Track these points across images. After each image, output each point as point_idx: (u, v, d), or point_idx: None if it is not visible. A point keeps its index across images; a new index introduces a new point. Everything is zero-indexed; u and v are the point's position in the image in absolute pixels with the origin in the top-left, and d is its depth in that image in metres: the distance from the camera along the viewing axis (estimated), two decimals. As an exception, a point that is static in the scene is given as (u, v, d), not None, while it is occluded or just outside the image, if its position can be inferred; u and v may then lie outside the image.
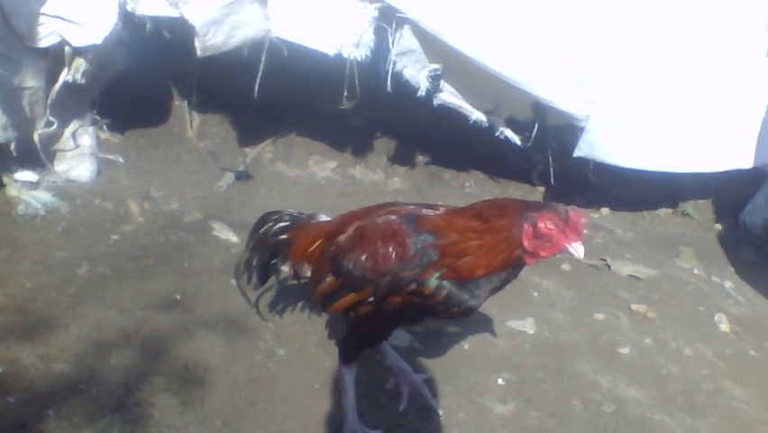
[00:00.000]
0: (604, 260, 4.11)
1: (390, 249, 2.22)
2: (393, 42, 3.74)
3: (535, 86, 3.90)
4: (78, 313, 2.86)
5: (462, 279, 2.16)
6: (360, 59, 3.72)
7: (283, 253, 2.68)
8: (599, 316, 3.55)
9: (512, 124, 4.24)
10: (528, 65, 3.88)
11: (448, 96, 4.08)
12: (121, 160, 4.00)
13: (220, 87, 4.45)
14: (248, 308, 3.12)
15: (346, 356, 2.53)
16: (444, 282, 2.17)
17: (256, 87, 3.78)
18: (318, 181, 4.43)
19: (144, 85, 4.31)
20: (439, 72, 3.94)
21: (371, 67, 3.84)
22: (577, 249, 2.05)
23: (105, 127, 4.07)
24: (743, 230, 4.82)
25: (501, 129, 4.21)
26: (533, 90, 3.91)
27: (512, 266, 2.15)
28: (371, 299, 2.31)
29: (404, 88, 3.95)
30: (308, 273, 2.59)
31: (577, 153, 4.17)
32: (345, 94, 3.81)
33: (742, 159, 4.29)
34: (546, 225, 2.04)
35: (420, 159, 4.69)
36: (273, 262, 2.74)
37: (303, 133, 4.57)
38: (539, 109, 4.07)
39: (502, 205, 2.16)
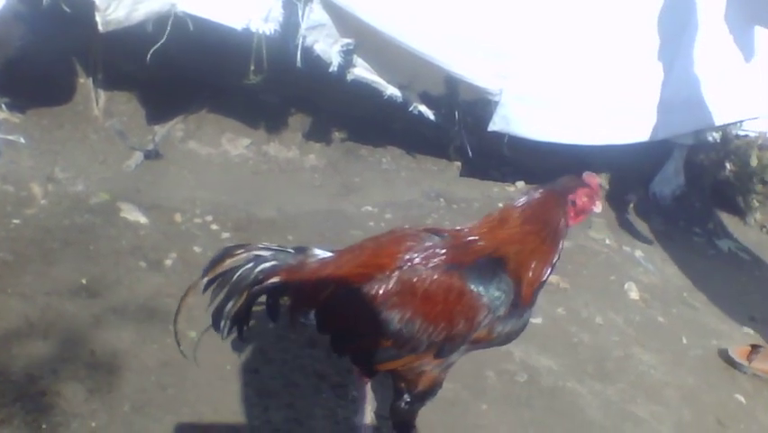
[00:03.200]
0: (520, 233, 4.15)
1: (458, 313, 2.00)
2: (303, 16, 3.67)
3: (449, 60, 3.89)
4: (-23, 301, 2.74)
5: (535, 288, 2.06)
6: (268, 33, 3.64)
7: (276, 299, 2.27)
8: (513, 288, 3.59)
9: (426, 99, 4.23)
10: (441, 40, 3.87)
11: (361, 71, 4.04)
12: (22, 140, 3.83)
13: (127, 63, 4.29)
14: (158, 291, 3.06)
15: (407, 423, 2.25)
16: (512, 320, 2.05)
17: (147, 57, 3.61)
18: (231, 159, 4.35)
19: (45, 62, 4.13)
20: (351, 47, 3.89)
21: (281, 41, 3.76)
22: (599, 206, 2.16)
23: (3, 106, 3.89)
24: (653, 200, 4.96)
25: (415, 104, 4.20)
26: (446, 65, 3.90)
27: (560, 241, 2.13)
28: (435, 357, 2.07)
29: (316, 64, 3.89)
30: (315, 321, 2.22)
31: (491, 127, 4.19)
32: (252, 68, 3.72)
33: (649, 131, 4.40)
34: (582, 200, 2.10)
35: (336, 135, 4.64)
36: (255, 309, 2.27)
37: (214, 111, 4.46)
38: (453, 84, 4.08)
39: (541, 200, 2.09)
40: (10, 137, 3.81)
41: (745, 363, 3.20)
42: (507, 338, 2.10)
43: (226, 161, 4.33)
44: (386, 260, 2.07)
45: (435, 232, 2.14)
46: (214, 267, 2.22)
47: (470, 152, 4.48)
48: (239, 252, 2.23)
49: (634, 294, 3.78)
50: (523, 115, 4.14)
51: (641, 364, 3.27)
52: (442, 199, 4.40)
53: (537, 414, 2.83)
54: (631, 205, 4.85)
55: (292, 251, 2.25)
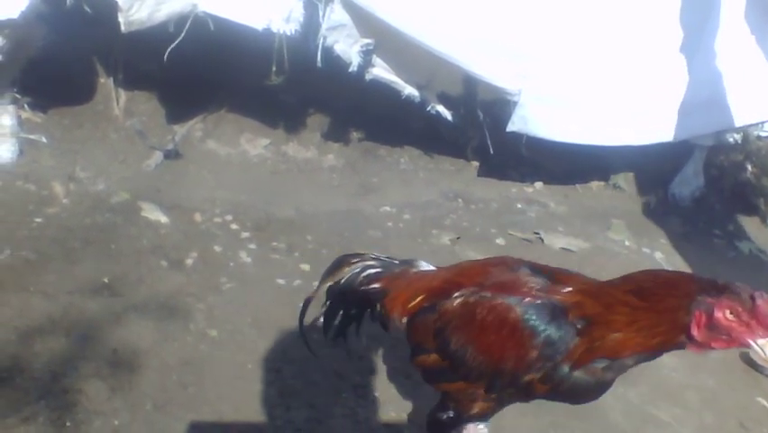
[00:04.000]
0: (537, 233, 4.15)
1: (509, 348, 1.87)
2: (323, 17, 3.68)
3: (468, 61, 3.89)
4: (0, 299, 2.75)
5: (605, 357, 1.79)
6: (289, 33, 3.65)
7: (375, 305, 2.23)
8: (533, 289, 3.58)
9: (444, 99, 4.23)
10: (461, 40, 3.88)
11: (380, 71, 4.05)
12: (44, 140, 3.87)
13: (147, 63, 4.32)
14: (179, 290, 3.07)
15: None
16: (575, 374, 1.82)
17: (165, 56, 3.64)
18: (250, 159, 4.37)
19: (67, 62, 4.17)
20: (371, 47, 3.90)
21: (302, 42, 3.77)
22: (764, 348, 1.63)
23: (26, 106, 3.92)
24: (672, 202, 4.93)
25: (433, 104, 4.20)
26: (465, 65, 3.91)
27: (668, 350, 1.77)
28: (485, 391, 1.97)
29: (336, 64, 3.90)
30: (404, 329, 2.15)
31: (510, 128, 4.19)
32: (274, 69, 3.74)
33: (669, 132, 4.37)
34: (725, 314, 1.63)
35: (354, 135, 4.65)
36: (357, 313, 2.32)
37: (233, 110, 4.48)
38: (471, 84, 4.08)
39: (670, 281, 1.76)
40: (32, 136, 3.84)
41: (766, 365, 3.17)
42: (573, 393, 1.86)
43: (245, 161, 4.35)
44: (465, 279, 2.01)
45: (542, 270, 1.96)
46: (332, 273, 2.30)
47: (491, 150, 4.47)
48: (355, 260, 2.28)
49: (653, 296, 3.75)
50: (542, 116, 4.13)
51: (662, 367, 3.24)
52: (460, 200, 4.39)
53: (559, 418, 2.82)
54: (650, 206, 4.83)
55: (398, 261, 2.28)
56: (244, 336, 2.91)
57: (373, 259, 2.27)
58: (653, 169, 4.99)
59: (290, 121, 4.55)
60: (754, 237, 4.76)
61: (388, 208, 4.11)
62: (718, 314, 1.63)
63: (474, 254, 3.79)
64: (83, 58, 4.31)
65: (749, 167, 4.85)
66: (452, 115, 4.29)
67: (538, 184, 4.82)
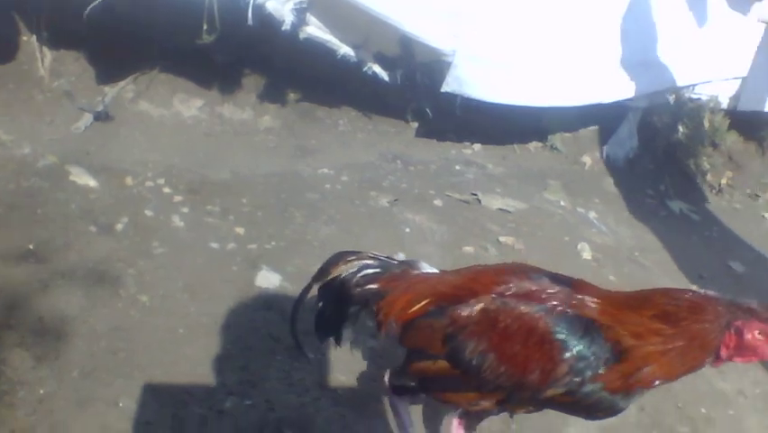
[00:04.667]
0: (475, 195, 4.17)
1: (535, 360, 1.80)
2: (254, -26, 3.59)
3: (401, 19, 3.85)
4: None
5: (633, 390, 1.78)
6: (220, -10, 3.56)
7: (371, 306, 2.11)
8: (468, 249, 3.60)
9: (381, 59, 4.19)
10: (395, -1, 3.83)
11: (315, 30, 3.97)
12: (-37, 101, 3.72)
13: (74, 21, 4.15)
14: (108, 255, 3.00)
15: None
16: (603, 393, 1.79)
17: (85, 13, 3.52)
18: (184, 121, 4.26)
19: (-15, 19, 4.00)
20: (304, 5, 3.82)
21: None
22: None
23: (-58, 66, 3.76)
24: (607, 162, 5.00)
25: (370, 65, 4.15)
26: (399, 24, 3.86)
27: (693, 372, 1.80)
28: (498, 403, 1.93)
29: (268, 22, 3.81)
30: (398, 333, 2.06)
31: (444, 88, 4.17)
32: (205, 27, 3.64)
33: (603, 93, 4.42)
34: (755, 335, 1.70)
35: (291, 96, 4.57)
36: (352, 312, 2.18)
37: (166, 71, 4.35)
38: (407, 44, 4.04)
39: (695, 305, 1.74)
40: (-50, 99, 3.69)
41: None
42: (594, 410, 1.84)
43: (179, 123, 4.25)
44: (480, 286, 1.92)
45: (560, 279, 1.92)
46: (327, 271, 2.19)
47: (424, 115, 4.46)
48: (351, 258, 2.16)
49: (587, 254, 3.81)
50: (476, 77, 4.12)
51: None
52: (399, 161, 4.38)
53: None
54: (586, 167, 4.89)
55: (398, 262, 2.17)
56: (176, 300, 2.86)
57: (371, 258, 2.16)
58: (589, 130, 5.05)
59: (225, 82, 4.44)
60: (685, 196, 4.87)
61: (326, 170, 4.08)
62: (748, 335, 1.70)
63: (412, 215, 3.80)
64: (2, 14, 4.12)
65: (681, 128, 4.93)
66: (390, 76, 4.25)
67: (477, 146, 4.83)
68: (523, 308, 1.82)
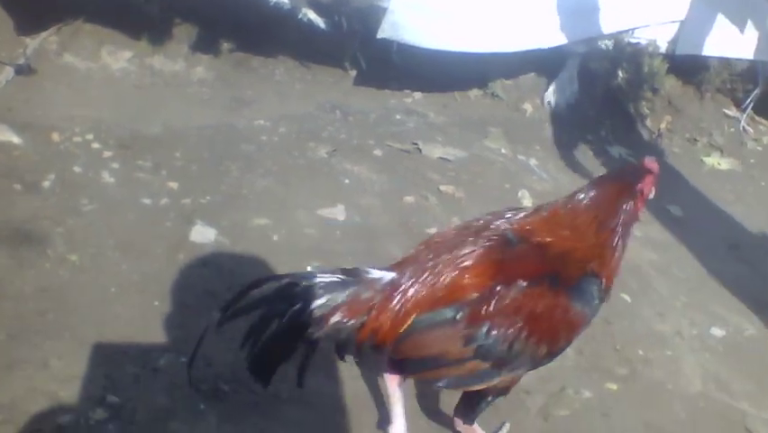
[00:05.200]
0: (415, 144, 4.12)
1: (562, 330, 1.95)
2: None
3: (336, -36, 3.75)
4: None
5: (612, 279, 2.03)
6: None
7: (343, 337, 1.93)
8: (409, 198, 3.57)
9: (316, 5, 4.07)
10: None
11: (245, -24, 3.85)
12: None
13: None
14: (35, 214, 2.89)
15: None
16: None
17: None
18: (112, 74, 4.11)
19: None
20: (234, -51, 3.69)
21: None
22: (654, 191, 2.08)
23: None
24: (547, 109, 4.98)
25: (305, 11, 4.04)
26: (334, -31, 3.76)
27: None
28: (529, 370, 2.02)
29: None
30: (391, 352, 1.94)
31: (380, 35, 4.08)
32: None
33: (543, 38, 4.38)
34: (648, 188, 2.05)
35: (225, 46, 4.43)
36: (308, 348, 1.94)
37: (92, 21, 4.17)
38: (342, -11, 3.94)
39: (613, 193, 2.03)
40: None
41: None
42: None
43: (107, 76, 4.09)
44: (475, 279, 1.90)
45: (497, 229, 2.00)
46: (241, 305, 1.93)
47: (362, 63, 4.38)
48: (296, 289, 1.87)
49: (527, 201, 3.81)
50: (413, 22, 4.05)
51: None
52: (338, 111, 4.30)
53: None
54: (526, 114, 4.88)
55: (341, 277, 1.90)
56: (107, 259, 2.78)
57: (304, 278, 1.90)
58: (529, 77, 5.02)
59: (155, 32, 4.28)
60: (624, 142, 4.90)
61: (262, 122, 3.98)
62: (647, 191, 2.05)
63: (351, 166, 3.74)
64: None
65: (620, 73, 4.93)
66: (326, 24, 4.14)
67: (417, 94, 4.77)
68: (538, 288, 1.89)
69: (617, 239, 1.98)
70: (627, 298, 3.20)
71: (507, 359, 1.90)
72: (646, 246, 3.67)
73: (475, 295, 1.87)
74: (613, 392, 2.62)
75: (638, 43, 4.93)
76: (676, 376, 2.78)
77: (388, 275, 1.93)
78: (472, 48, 4.28)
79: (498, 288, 1.87)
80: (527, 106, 4.97)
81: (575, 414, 2.44)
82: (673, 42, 4.98)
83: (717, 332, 3.08)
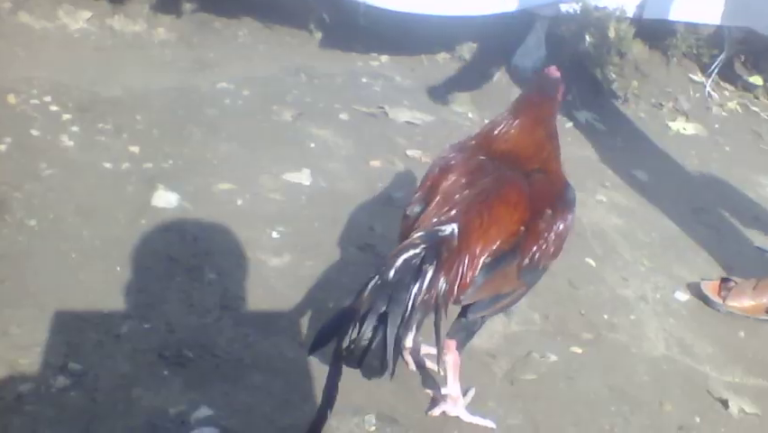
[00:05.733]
0: (382, 108, 4.08)
1: (564, 241, 2.15)
2: None
3: None
4: None
5: None
6: None
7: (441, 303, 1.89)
8: (376, 163, 3.54)
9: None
10: None
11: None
12: None
13: None
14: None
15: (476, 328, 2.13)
16: None
17: None
18: (71, 34, 3.99)
19: None
20: None
21: None
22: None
23: None
24: (515, 73, 4.96)
25: (266, -30, 3.96)
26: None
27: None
28: None
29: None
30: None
31: (347, -4, 4.02)
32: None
33: (509, 2, 4.35)
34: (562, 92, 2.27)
35: (187, 7, 4.32)
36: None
37: (47, -21, 4.05)
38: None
39: (543, 102, 2.23)
40: None
41: (719, 300, 3.15)
42: None
43: (65, 37, 3.97)
44: (518, 214, 2.02)
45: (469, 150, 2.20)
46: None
47: (328, 25, 4.29)
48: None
49: (494, 166, 3.80)
50: (379, -17, 3.99)
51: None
52: (303, 74, 4.23)
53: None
54: (494, 78, 4.85)
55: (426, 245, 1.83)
56: (68, 224, 2.72)
57: (413, 249, 1.82)
58: (496, 41, 4.98)
59: (115, -9, 4.17)
60: (590, 107, 4.90)
61: (225, 85, 3.90)
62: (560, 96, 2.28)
63: (317, 130, 3.70)
64: None
65: (588, 38, 4.91)
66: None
67: (384, 57, 4.71)
68: (554, 208, 2.08)
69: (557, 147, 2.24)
70: (592, 262, 3.21)
71: (538, 278, 2.11)
72: (611, 211, 3.68)
73: (522, 229, 2.00)
74: (578, 356, 2.64)
75: (605, 8, 4.90)
76: (640, 340, 2.81)
77: (449, 228, 1.89)
78: (440, 11, 4.23)
79: (537, 219, 2.02)
80: (494, 70, 4.95)
81: (541, 378, 2.45)
82: (641, 7, 4.96)
83: (681, 296, 3.11)
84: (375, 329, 1.71)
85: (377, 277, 1.75)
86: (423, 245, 1.82)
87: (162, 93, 3.66)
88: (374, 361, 1.72)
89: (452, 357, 2.14)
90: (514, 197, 2.02)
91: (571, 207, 2.15)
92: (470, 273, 1.91)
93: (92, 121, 3.32)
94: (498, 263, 1.96)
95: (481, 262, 1.93)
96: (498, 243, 1.95)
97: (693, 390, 2.60)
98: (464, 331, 2.11)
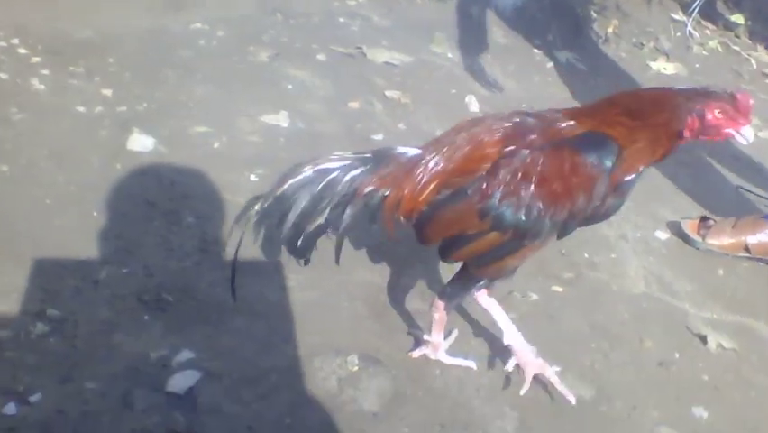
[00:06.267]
0: (360, 48, 4.01)
1: (576, 187, 1.85)
2: None
3: None
4: None
5: (618, 180, 1.89)
6: None
7: (371, 208, 1.95)
8: (354, 104, 3.49)
9: None
10: None
11: None
12: None
13: None
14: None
15: (478, 288, 2.07)
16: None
17: None
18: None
19: None
20: None
21: None
22: (746, 134, 1.84)
23: None
24: (494, 12, 4.89)
25: None
26: None
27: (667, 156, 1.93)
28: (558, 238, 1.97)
29: None
30: (413, 226, 1.99)
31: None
32: None
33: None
34: (715, 114, 1.81)
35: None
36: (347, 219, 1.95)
37: None
38: None
39: (656, 98, 1.87)
40: None
41: (698, 238, 3.16)
42: (604, 215, 2.00)
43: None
44: (488, 150, 1.88)
45: (530, 113, 1.96)
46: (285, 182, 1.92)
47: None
48: (315, 165, 1.92)
49: (474, 107, 3.76)
50: None
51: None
52: (279, 14, 4.14)
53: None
54: (473, 17, 4.77)
55: (371, 155, 1.96)
56: (41, 169, 2.67)
57: (339, 159, 1.95)
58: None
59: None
60: (571, 47, 4.85)
61: (199, 25, 3.81)
62: (709, 116, 1.81)
63: (294, 71, 3.63)
64: None
65: (568, -25, 4.85)
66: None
67: (362, -4, 4.62)
68: (542, 149, 1.85)
69: (646, 141, 1.85)
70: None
71: (526, 227, 1.88)
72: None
73: (485, 166, 1.88)
74: (559, 295, 2.65)
75: (587, -56, 4.85)
76: (620, 278, 2.82)
77: (412, 151, 1.96)
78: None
79: (505, 157, 1.87)
80: (474, 10, 4.87)
81: (522, 317, 2.46)
82: (622, -57, 4.90)
83: (662, 235, 3.12)
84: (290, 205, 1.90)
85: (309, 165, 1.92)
86: (368, 155, 1.96)
87: (135, 35, 3.58)
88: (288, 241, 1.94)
89: (438, 315, 2.13)
90: (486, 136, 1.91)
91: (587, 150, 1.84)
92: (418, 194, 1.91)
93: (63, 64, 3.24)
94: (451, 198, 1.91)
95: (431, 188, 1.91)
96: (452, 175, 1.90)
97: (673, 326, 2.62)
98: (455, 292, 2.09)
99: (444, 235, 1.97)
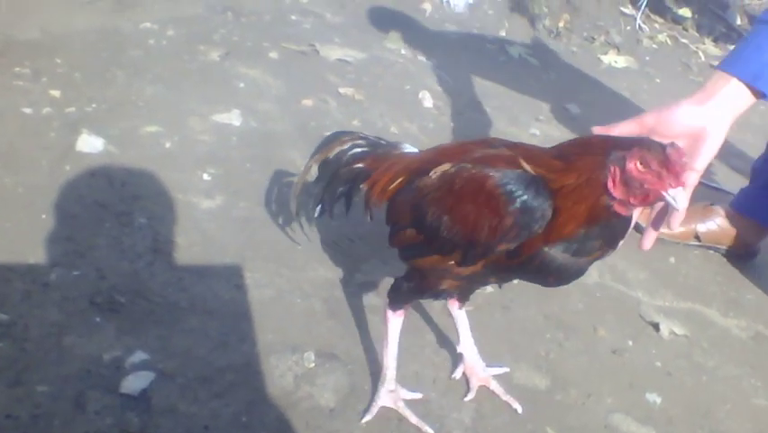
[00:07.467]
0: (313, 45, 4.00)
1: (484, 216, 1.74)
2: None
3: None
4: None
5: (551, 239, 1.71)
6: None
7: (358, 184, 2.15)
8: (308, 102, 3.48)
9: None
10: None
11: None
12: None
13: None
14: None
15: (397, 300, 2.06)
16: (547, 250, 1.72)
17: None
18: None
19: None
20: None
21: None
22: (676, 198, 1.58)
23: None
24: (447, 9, 4.92)
25: None
26: None
27: (600, 218, 1.66)
28: (458, 265, 1.86)
29: None
30: (382, 209, 2.07)
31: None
32: None
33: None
34: (637, 166, 1.58)
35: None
36: (343, 191, 2.20)
37: None
38: None
39: (585, 142, 1.72)
40: None
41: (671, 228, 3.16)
42: (546, 272, 1.77)
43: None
44: (444, 158, 1.89)
45: (516, 147, 1.86)
46: (323, 150, 2.23)
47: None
48: (346, 138, 2.20)
49: (428, 102, 3.78)
50: None
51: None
52: (229, 13, 4.11)
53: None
54: (426, 14, 4.80)
55: (385, 143, 2.19)
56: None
57: (362, 138, 2.21)
58: (428, -24, 4.92)
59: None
60: (523, 42, 4.90)
61: (149, 25, 3.77)
62: (630, 165, 1.58)
63: (246, 70, 3.61)
64: None
65: (520, -29, 4.90)
66: None
67: (312, -5, 4.61)
68: (475, 169, 1.78)
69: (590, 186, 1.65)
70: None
71: (432, 234, 1.86)
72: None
73: (435, 172, 1.88)
74: (513, 286, 2.65)
75: (536, -60, 4.90)
76: (574, 268, 2.85)
77: (409, 149, 2.13)
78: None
79: (444, 165, 1.86)
80: (427, 6, 4.90)
81: (478, 308, 2.48)
82: (571, -61, 4.96)
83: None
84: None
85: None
86: (373, 138, 2.21)
87: (83, 35, 3.52)
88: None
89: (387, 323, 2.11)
90: (458, 149, 1.91)
91: (511, 190, 1.70)
92: (385, 184, 2.03)
93: (8, 65, 3.18)
94: (404, 189, 1.98)
95: (397, 182, 2.01)
96: (414, 173, 1.95)
97: (626, 315, 2.67)
98: (395, 281, 2.08)
99: (393, 220, 2.03)
